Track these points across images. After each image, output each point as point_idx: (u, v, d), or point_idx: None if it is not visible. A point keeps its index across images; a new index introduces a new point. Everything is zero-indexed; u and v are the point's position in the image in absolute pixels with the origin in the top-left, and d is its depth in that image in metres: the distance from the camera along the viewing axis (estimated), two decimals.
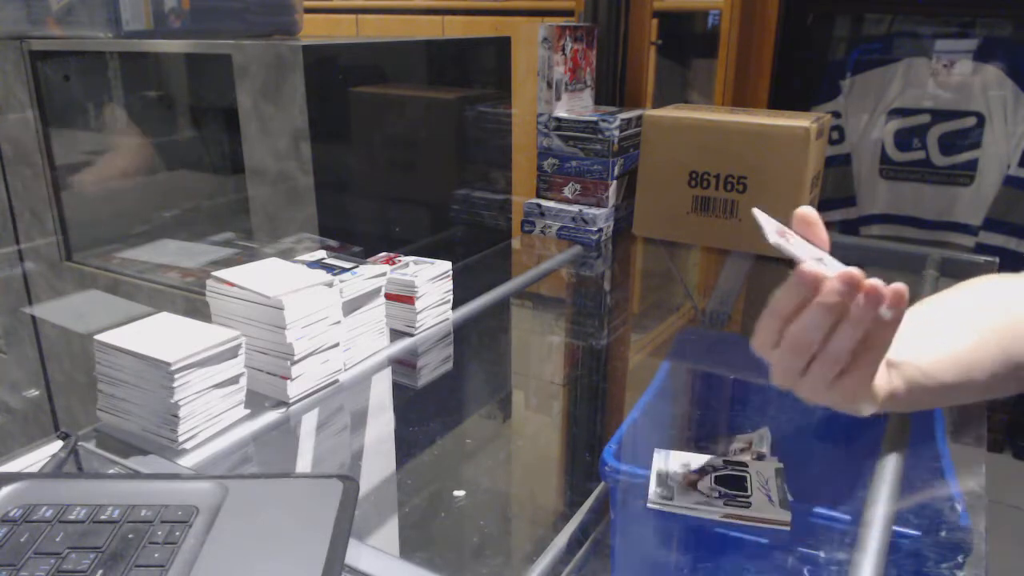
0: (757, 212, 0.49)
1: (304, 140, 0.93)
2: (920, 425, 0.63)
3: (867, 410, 0.50)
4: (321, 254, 0.79)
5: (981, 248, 1.57)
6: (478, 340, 0.90)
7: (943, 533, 0.50)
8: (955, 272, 1.07)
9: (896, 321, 0.46)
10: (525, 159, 1.28)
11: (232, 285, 0.66)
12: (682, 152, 1.09)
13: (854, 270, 0.44)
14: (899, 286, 0.45)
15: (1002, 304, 0.60)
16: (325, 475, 0.50)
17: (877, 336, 0.46)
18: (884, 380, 0.51)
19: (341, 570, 0.42)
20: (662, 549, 0.56)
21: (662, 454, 0.56)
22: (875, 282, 0.44)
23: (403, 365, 0.79)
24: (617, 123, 1.13)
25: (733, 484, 0.53)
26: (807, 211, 0.50)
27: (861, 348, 0.46)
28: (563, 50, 1.17)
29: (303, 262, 0.75)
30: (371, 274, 0.75)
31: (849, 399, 0.48)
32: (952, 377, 0.54)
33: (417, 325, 0.82)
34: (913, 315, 0.59)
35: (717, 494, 0.52)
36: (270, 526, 0.45)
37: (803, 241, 0.49)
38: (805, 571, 0.51)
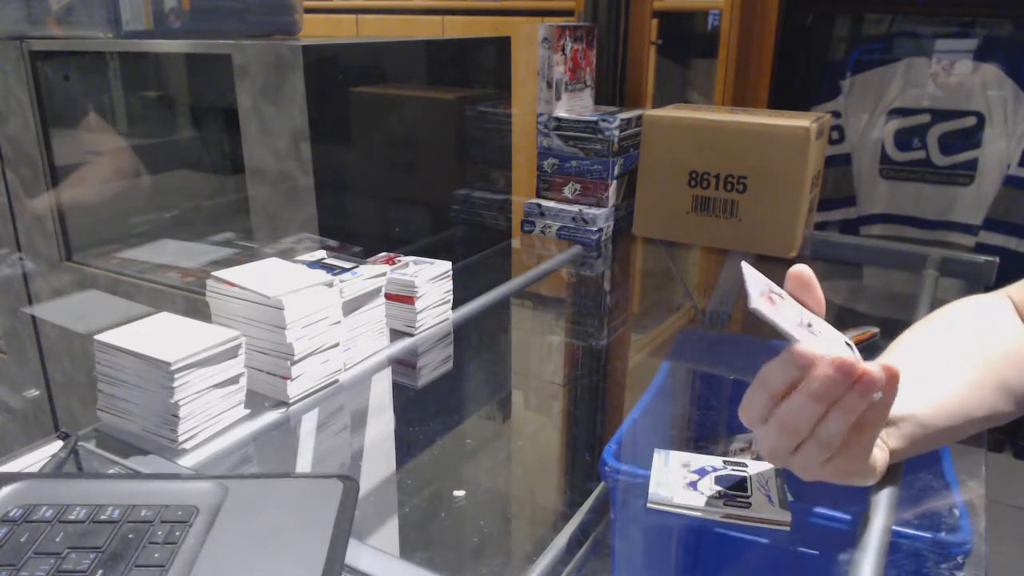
0: (745, 266, 0.47)
1: (304, 140, 0.93)
2: None
3: (867, 483, 0.49)
4: (321, 254, 0.79)
5: (981, 248, 1.57)
6: (478, 340, 0.90)
7: (943, 533, 0.50)
8: (955, 272, 1.07)
9: (890, 401, 0.44)
10: (525, 159, 1.28)
11: (232, 285, 0.66)
12: (682, 152, 1.09)
13: (847, 356, 0.42)
14: (891, 366, 0.43)
15: (993, 332, 0.58)
16: (325, 475, 0.50)
17: (871, 416, 0.44)
18: (881, 446, 0.49)
19: (341, 570, 0.42)
20: (662, 549, 0.56)
21: (662, 454, 0.56)
22: (869, 368, 0.42)
23: (403, 365, 0.79)
24: (617, 123, 1.13)
25: (733, 484, 0.53)
26: (803, 271, 0.48)
27: (855, 429, 0.45)
28: (563, 50, 1.17)
29: (303, 262, 0.75)
30: (371, 274, 0.75)
31: (843, 477, 0.47)
32: (952, 421, 0.53)
33: (417, 325, 0.82)
34: (903, 355, 0.58)
35: (717, 494, 0.52)
36: (270, 526, 0.45)
37: (793, 303, 0.47)
38: (805, 571, 0.51)
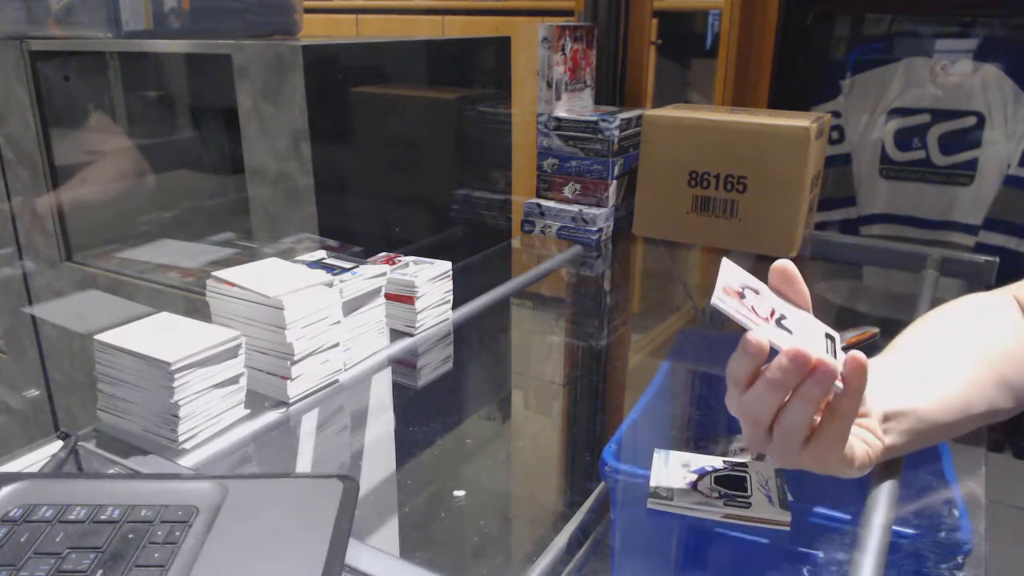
0: (725, 262, 0.48)
1: (304, 140, 0.93)
2: None
3: (848, 474, 0.48)
4: (321, 254, 0.79)
5: (981, 248, 1.57)
6: (478, 340, 0.90)
7: (943, 533, 0.50)
8: (955, 272, 1.07)
9: (860, 390, 0.45)
10: (525, 159, 1.28)
11: (232, 285, 0.66)
12: (682, 152, 1.09)
13: (802, 349, 0.43)
14: (859, 358, 0.44)
15: (994, 330, 0.58)
16: (325, 475, 0.50)
17: (842, 406, 0.45)
18: (870, 440, 0.49)
19: (341, 570, 0.42)
20: (662, 549, 0.56)
21: (662, 454, 0.56)
22: (825, 358, 0.43)
23: (403, 365, 0.79)
24: (617, 123, 1.13)
25: (733, 484, 0.53)
26: (785, 266, 0.49)
27: (827, 417, 0.45)
28: (563, 50, 1.17)
29: (303, 262, 0.75)
30: (371, 274, 0.75)
31: (821, 466, 0.47)
32: (952, 416, 0.53)
33: (417, 325, 0.82)
34: (903, 352, 0.58)
35: (717, 494, 0.52)
36: (270, 526, 0.45)
37: (772, 297, 0.48)
38: (805, 571, 0.51)
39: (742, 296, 0.46)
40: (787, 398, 0.45)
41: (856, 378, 0.44)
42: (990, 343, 0.57)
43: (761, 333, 0.44)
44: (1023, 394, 0.56)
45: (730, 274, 0.47)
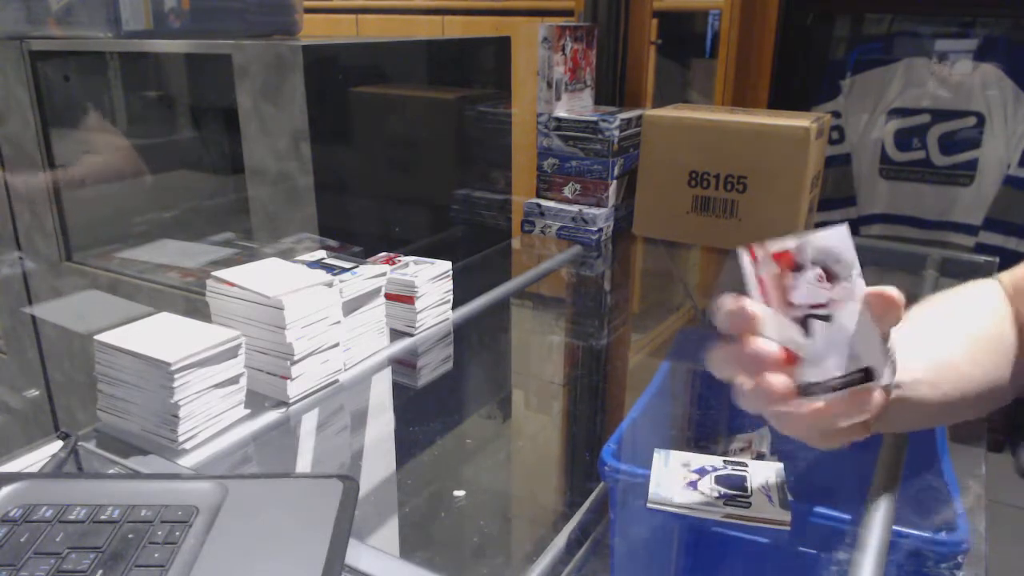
0: (838, 230, 0.41)
1: (304, 140, 0.93)
2: None
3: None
4: (321, 254, 0.79)
5: (981, 248, 1.57)
6: (478, 340, 0.90)
7: (943, 533, 0.50)
8: (955, 272, 1.07)
9: (889, 325, 0.43)
10: (525, 159, 1.28)
11: (232, 285, 0.66)
12: (682, 152, 1.09)
13: (768, 346, 0.41)
14: (890, 293, 0.42)
15: (992, 317, 0.59)
16: (325, 475, 0.50)
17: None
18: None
19: (341, 570, 0.42)
20: (662, 549, 0.56)
21: (662, 454, 0.56)
22: (758, 343, 0.42)
23: (403, 365, 0.79)
24: (617, 123, 1.13)
25: (733, 484, 0.53)
26: (892, 294, 0.42)
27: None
28: (563, 50, 1.17)
29: (303, 262, 0.75)
30: (371, 274, 0.75)
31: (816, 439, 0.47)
32: (953, 387, 0.53)
33: (417, 325, 0.82)
34: (908, 333, 0.59)
35: (717, 494, 0.52)
36: (270, 526, 0.45)
37: (847, 294, 0.42)
38: (805, 571, 0.51)
39: (799, 269, 0.41)
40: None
41: (892, 309, 0.42)
42: (990, 333, 0.58)
43: (749, 305, 0.41)
44: (1019, 380, 0.57)
45: (820, 241, 0.40)
